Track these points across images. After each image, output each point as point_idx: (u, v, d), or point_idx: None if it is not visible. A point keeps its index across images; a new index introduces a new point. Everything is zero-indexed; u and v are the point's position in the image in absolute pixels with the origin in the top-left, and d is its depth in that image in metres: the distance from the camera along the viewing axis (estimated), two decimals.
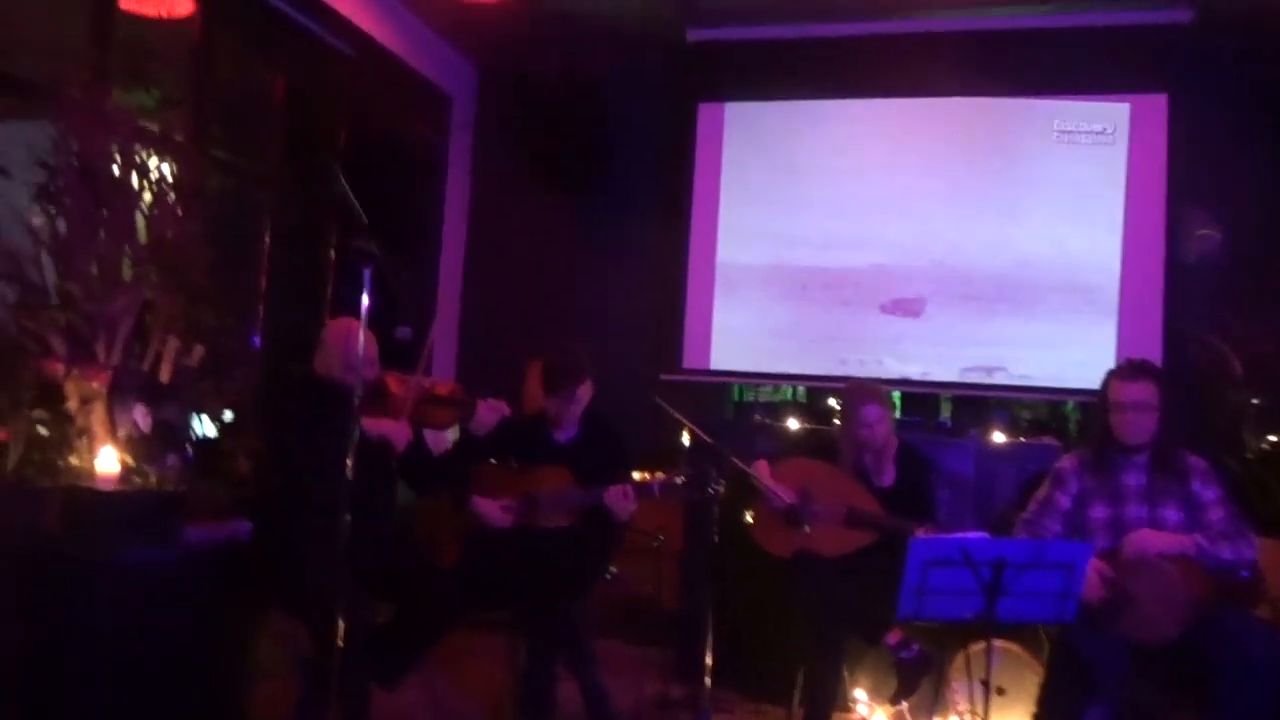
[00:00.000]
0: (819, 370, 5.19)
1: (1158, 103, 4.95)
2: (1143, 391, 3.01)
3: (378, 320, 2.80)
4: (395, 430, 3.05)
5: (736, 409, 5.52)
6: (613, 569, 3.72)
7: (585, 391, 3.40)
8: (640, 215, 5.70)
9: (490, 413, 3.22)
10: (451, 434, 3.57)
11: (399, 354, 3.16)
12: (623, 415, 3.61)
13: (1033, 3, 4.92)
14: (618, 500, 3.23)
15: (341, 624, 2.60)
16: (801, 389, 5.38)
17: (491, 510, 3.32)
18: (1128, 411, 3.01)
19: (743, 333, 5.34)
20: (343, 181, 2.57)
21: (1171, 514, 2.98)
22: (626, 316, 5.60)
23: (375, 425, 2.99)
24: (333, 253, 4.86)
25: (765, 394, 5.53)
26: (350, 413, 2.61)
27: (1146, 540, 2.90)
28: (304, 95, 4.83)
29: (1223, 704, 2.69)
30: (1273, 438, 4.11)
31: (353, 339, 2.67)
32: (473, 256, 6.08)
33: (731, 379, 5.40)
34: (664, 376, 5.31)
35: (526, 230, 5.94)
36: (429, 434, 3.34)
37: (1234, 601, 2.93)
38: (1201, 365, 4.56)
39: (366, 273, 2.53)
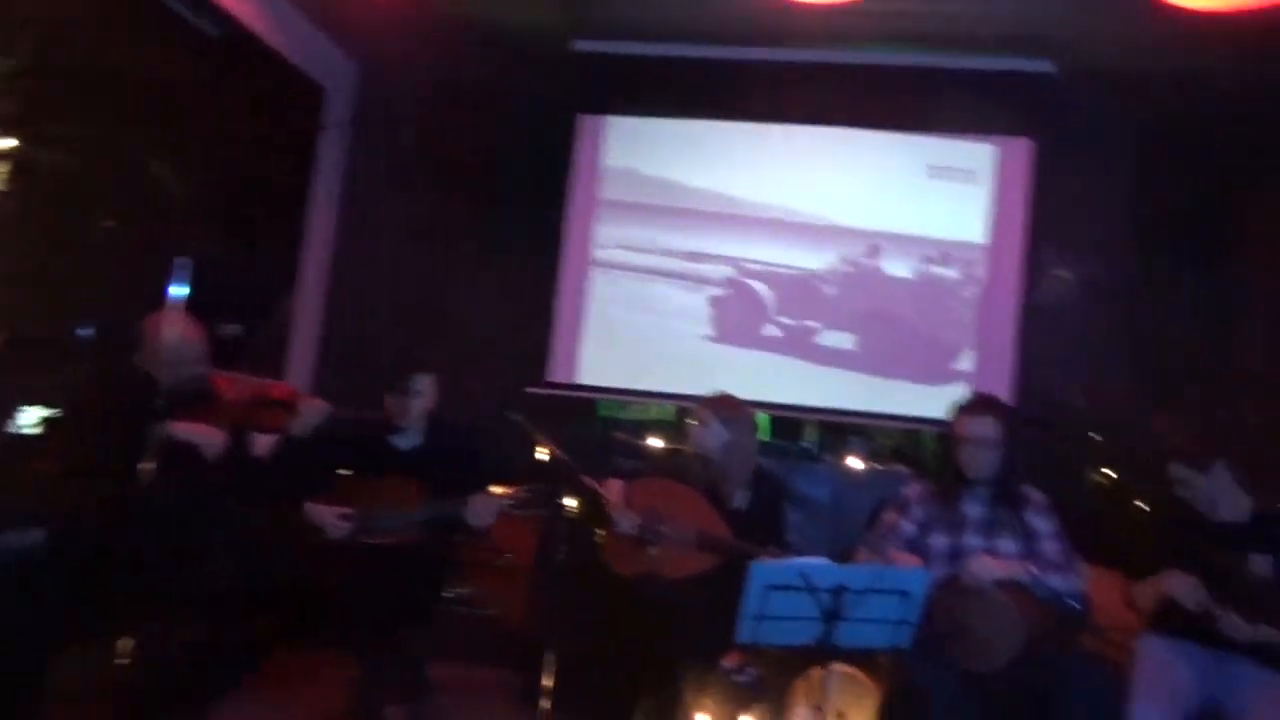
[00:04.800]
0: (688, 390, 5.17)
1: (1023, 147, 5.14)
2: (985, 427, 3.09)
3: (200, 315, 2.61)
4: (205, 435, 2.80)
5: (603, 425, 5.43)
6: (459, 589, 3.57)
7: (428, 387, 3.20)
8: (516, 223, 5.59)
9: (312, 411, 3.01)
10: None
11: (231, 352, 2.96)
12: (485, 428, 3.46)
13: (906, 42, 5.04)
14: (483, 510, 3.06)
15: (146, 643, 2.40)
16: (670, 407, 5.34)
17: (326, 516, 3.06)
18: (970, 445, 3.08)
19: (610, 348, 5.28)
20: (162, 165, 2.37)
21: (1007, 544, 3.05)
22: (496, 326, 5.47)
23: (185, 429, 2.75)
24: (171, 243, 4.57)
25: (634, 411, 5.47)
26: (159, 412, 2.40)
27: (984, 566, 2.95)
28: (160, 75, 4.53)
29: None
30: (1108, 471, 4.29)
31: (167, 333, 2.47)
32: (340, 254, 5.84)
33: (597, 394, 5.32)
34: (530, 389, 5.19)
35: (399, 231, 5.74)
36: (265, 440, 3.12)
37: (1063, 630, 3.01)
38: (1047, 398, 4.73)
39: (179, 263, 2.33)
